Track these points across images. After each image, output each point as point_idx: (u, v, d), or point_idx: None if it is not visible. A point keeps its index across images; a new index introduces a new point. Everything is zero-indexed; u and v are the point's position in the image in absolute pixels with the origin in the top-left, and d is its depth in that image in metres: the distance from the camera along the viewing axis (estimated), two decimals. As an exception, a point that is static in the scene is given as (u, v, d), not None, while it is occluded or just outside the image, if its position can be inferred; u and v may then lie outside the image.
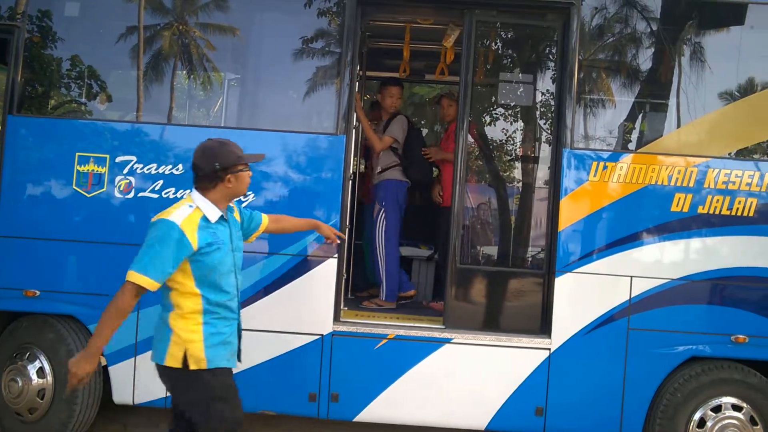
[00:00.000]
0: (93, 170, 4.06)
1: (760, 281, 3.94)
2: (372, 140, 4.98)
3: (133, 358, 4.07)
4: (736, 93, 4.09)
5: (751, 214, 3.93)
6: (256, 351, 4.02)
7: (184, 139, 4.08)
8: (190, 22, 4.28)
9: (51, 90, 4.37)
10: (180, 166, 4.04)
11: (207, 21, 4.24)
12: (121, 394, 4.12)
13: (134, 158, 4.06)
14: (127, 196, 4.06)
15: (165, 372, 2.93)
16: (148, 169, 4.05)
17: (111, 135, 4.11)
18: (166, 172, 4.05)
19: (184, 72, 4.36)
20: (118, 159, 4.06)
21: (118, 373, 4.09)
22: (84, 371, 2.75)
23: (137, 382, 4.08)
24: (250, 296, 4.03)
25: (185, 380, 2.89)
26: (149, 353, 3.99)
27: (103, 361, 4.17)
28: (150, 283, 2.76)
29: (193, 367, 2.86)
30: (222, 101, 4.39)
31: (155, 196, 4.05)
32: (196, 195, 2.92)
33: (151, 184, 4.05)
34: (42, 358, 4.11)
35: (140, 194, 4.05)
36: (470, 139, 4.71)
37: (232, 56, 4.43)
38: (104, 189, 4.07)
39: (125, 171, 4.06)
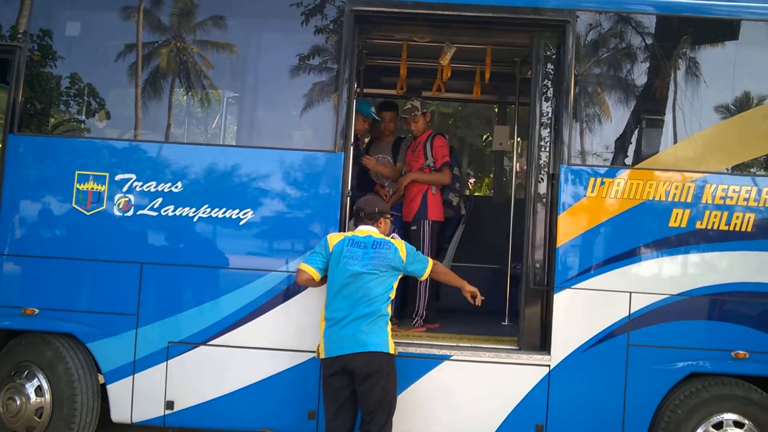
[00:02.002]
0: (92, 188, 4.08)
1: (759, 296, 3.93)
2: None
3: (131, 377, 4.06)
4: (733, 108, 4.11)
5: (749, 229, 3.92)
6: (256, 369, 4.03)
7: (182, 157, 4.11)
8: (188, 40, 4.32)
9: (51, 109, 4.40)
10: (179, 183, 4.06)
11: (205, 39, 4.27)
12: (119, 413, 4.10)
13: (133, 176, 4.08)
14: (126, 214, 4.07)
15: (385, 358, 3.56)
16: (147, 187, 4.07)
17: (110, 153, 4.14)
18: (165, 190, 4.06)
19: (183, 90, 4.39)
20: (118, 177, 4.08)
21: (117, 392, 4.07)
22: None
23: (135, 401, 4.06)
24: (250, 313, 4.02)
25: (394, 364, 3.63)
26: (149, 370, 3.94)
27: (101, 379, 4.17)
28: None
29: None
30: (220, 119, 4.42)
31: (154, 213, 4.06)
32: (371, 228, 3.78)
33: (150, 201, 4.06)
34: (40, 376, 4.10)
35: (139, 212, 4.06)
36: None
37: (230, 74, 4.47)
38: (104, 207, 4.08)
39: (124, 189, 4.07)
